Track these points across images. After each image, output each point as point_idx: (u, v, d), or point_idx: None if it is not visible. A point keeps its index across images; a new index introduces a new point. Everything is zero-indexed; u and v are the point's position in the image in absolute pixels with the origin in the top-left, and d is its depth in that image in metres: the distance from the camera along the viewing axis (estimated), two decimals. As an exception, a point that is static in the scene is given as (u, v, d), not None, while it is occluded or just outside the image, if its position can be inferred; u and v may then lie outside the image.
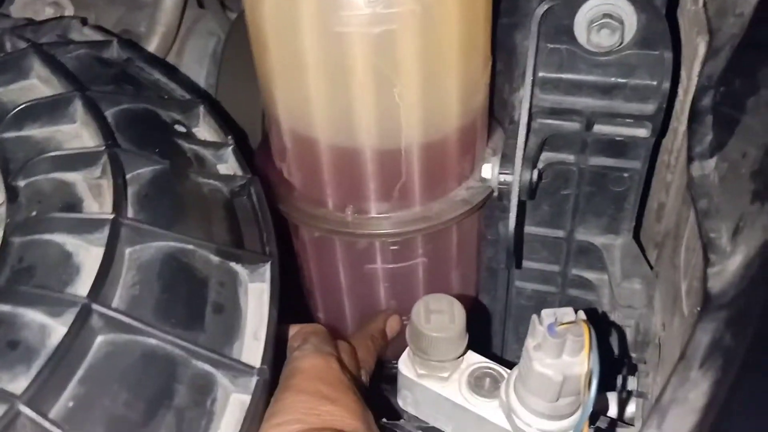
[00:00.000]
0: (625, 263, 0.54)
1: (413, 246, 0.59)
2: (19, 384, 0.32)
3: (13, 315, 0.34)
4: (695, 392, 0.24)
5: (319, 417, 0.39)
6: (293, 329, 0.49)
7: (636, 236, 0.58)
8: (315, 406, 0.40)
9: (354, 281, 0.62)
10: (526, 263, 0.60)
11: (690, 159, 0.39)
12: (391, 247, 0.58)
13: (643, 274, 0.53)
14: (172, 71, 0.57)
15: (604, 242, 0.56)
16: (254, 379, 0.37)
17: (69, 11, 0.70)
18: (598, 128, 0.50)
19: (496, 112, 0.62)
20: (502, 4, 0.62)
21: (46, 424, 0.30)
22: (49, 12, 0.69)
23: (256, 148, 0.65)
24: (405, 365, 0.45)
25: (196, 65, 0.74)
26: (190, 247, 0.40)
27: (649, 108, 0.48)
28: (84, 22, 0.56)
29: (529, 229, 0.58)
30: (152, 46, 0.69)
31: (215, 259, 0.41)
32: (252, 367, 0.37)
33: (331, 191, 0.56)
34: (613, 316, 0.55)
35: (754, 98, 0.35)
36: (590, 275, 0.59)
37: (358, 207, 0.56)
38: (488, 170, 0.52)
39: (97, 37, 0.56)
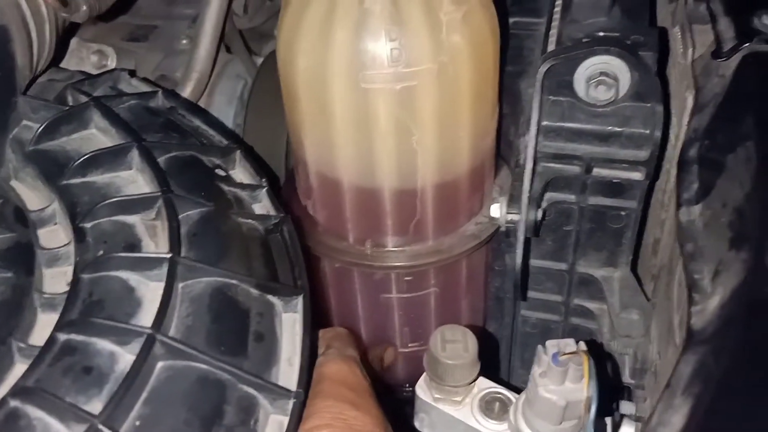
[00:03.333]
0: (624, 295, 0.59)
1: (426, 277, 0.64)
2: (93, 405, 0.37)
3: (87, 344, 0.39)
4: (677, 416, 0.28)
5: (345, 422, 0.42)
6: (322, 331, 0.52)
7: (634, 269, 0.63)
8: (342, 411, 0.43)
9: (370, 309, 0.68)
10: (531, 293, 0.65)
11: (678, 205, 0.44)
12: (406, 278, 0.64)
13: (640, 305, 0.58)
14: (210, 118, 0.63)
15: (604, 275, 0.61)
16: (291, 402, 0.41)
17: (112, 59, 0.77)
18: (596, 171, 0.55)
19: (502, 151, 0.67)
20: (508, 53, 0.68)
21: (119, 441, 0.35)
22: (93, 59, 0.75)
23: (282, 185, 0.71)
24: (422, 389, 0.50)
25: (226, 106, 0.80)
26: (234, 281, 0.45)
27: (643, 154, 0.53)
28: (132, 73, 0.62)
29: (534, 262, 0.63)
30: (188, 90, 0.75)
31: (255, 292, 0.46)
32: (290, 391, 0.42)
33: (352, 226, 0.62)
34: (613, 345, 0.59)
35: (733, 155, 0.40)
36: (591, 305, 0.64)
37: (377, 241, 0.61)
38: (497, 210, 0.57)
39: (144, 87, 0.62)
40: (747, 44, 0.44)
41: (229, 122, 0.80)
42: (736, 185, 0.37)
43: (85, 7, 0.52)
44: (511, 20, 0.71)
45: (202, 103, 0.79)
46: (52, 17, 0.54)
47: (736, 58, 0.44)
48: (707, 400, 0.27)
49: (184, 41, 0.80)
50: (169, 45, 0.81)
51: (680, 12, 0.60)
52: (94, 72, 0.77)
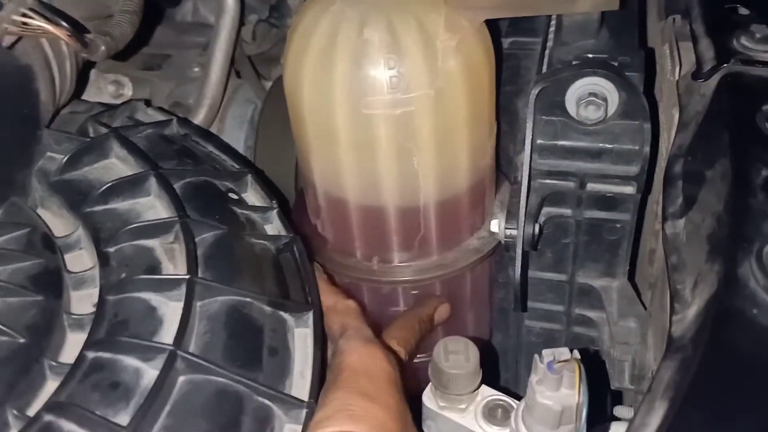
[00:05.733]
0: (621, 304, 0.61)
1: (431, 290, 0.66)
2: (121, 418, 0.40)
3: (114, 361, 0.42)
4: (655, 417, 0.31)
5: (349, 413, 0.42)
6: (327, 299, 0.53)
7: (632, 278, 0.65)
8: (349, 402, 0.43)
9: (379, 322, 0.70)
10: (533, 304, 0.68)
11: (664, 218, 0.46)
12: (412, 292, 0.66)
13: (637, 313, 0.60)
14: (221, 143, 0.66)
15: (603, 285, 0.63)
16: (304, 412, 0.44)
17: (128, 87, 0.81)
18: (590, 187, 0.58)
19: (502, 167, 0.70)
20: (504, 74, 0.71)
21: (146, 451, 0.38)
22: (111, 89, 0.79)
23: (292, 205, 0.74)
24: (428, 398, 0.52)
25: (237, 130, 0.84)
26: (248, 299, 0.48)
27: (633, 169, 0.55)
28: (147, 103, 0.66)
29: (535, 273, 0.65)
30: (201, 116, 0.78)
31: (268, 309, 0.49)
32: (303, 401, 0.44)
33: (360, 244, 0.64)
34: (613, 352, 0.61)
35: (711, 171, 0.42)
36: (592, 314, 0.66)
37: (383, 257, 0.64)
38: (496, 225, 0.60)
39: (159, 116, 0.66)
40: (725, 65, 0.47)
41: (240, 145, 0.83)
42: (713, 200, 0.40)
43: (103, 48, 0.56)
44: (509, 40, 0.74)
45: (214, 128, 0.82)
46: (72, 56, 0.58)
47: (715, 78, 0.47)
48: (678, 404, 0.30)
49: (196, 69, 0.84)
50: (182, 73, 0.85)
51: (668, 30, 0.63)
52: (112, 101, 0.82)
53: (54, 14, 0.48)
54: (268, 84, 0.91)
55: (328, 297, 0.55)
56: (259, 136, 0.82)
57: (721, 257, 0.35)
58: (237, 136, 0.83)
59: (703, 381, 0.31)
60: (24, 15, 0.46)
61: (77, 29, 0.51)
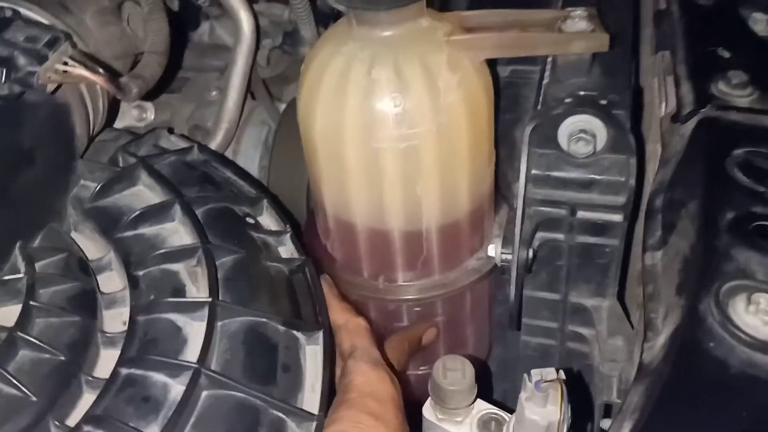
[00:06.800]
0: (611, 323, 0.65)
1: (434, 308, 0.71)
2: (152, 429, 0.44)
3: (144, 377, 0.47)
4: (622, 436, 0.35)
5: (361, 430, 0.47)
6: (338, 317, 0.57)
7: (622, 298, 0.69)
8: (360, 420, 0.48)
9: (385, 336, 0.75)
10: (530, 320, 0.72)
11: (644, 249, 0.50)
12: (415, 309, 0.71)
13: (625, 332, 0.64)
14: (238, 169, 0.71)
15: (594, 304, 0.67)
16: (314, 424, 0.48)
17: (151, 111, 0.86)
18: (581, 214, 0.62)
19: (502, 190, 0.74)
20: (503, 102, 0.76)
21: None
22: (134, 113, 0.84)
23: (304, 226, 0.79)
24: (428, 411, 0.56)
25: (252, 150, 0.89)
26: (264, 320, 0.53)
27: (621, 199, 0.59)
28: (170, 131, 0.71)
29: (531, 293, 0.70)
30: (218, 139, 0.83)
31: (282, 328, 0.53)
32: (313, 414, 0.49)
33: (366, 263, 0.69)
34: (602, 368, 0.66)
35: (685, 210, 0.46)
36: (584, 331, 0.70)
37: (388, 276, 0.69)
38: (492, 250, 0.64)
39: (181, 143, 0.71)
40: (702, 110, 0.51)
41: (255, 165, 0.88)
42: (685, 237, 0.44)
43: (135, 90, 0.61)
44: (509, 68, 0.78)
45: (230, 149, 0.87)
46: (105, 94, 0.63)
47: (693, 121, 0.51)
48: (641, 425, 0.34)
49: (214, 93, 0.89)
50: (201, 96, 0.90)
51: (657, 65, 0.67)
52: (136, 123, 0.87)
53: (92, 61, 0.53)
54: (281, 105, 0.96)
55: (340, 315, 0.60)
56: (272, 157, 0.87)
57: (686, 292, 0.39)
58: (252, 157, 0.88)
59: (664, 404, 0.35)
60: (65, 63, 0.51)
61: (112, 74, 0.56)
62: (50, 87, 0.53)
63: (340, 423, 0.48)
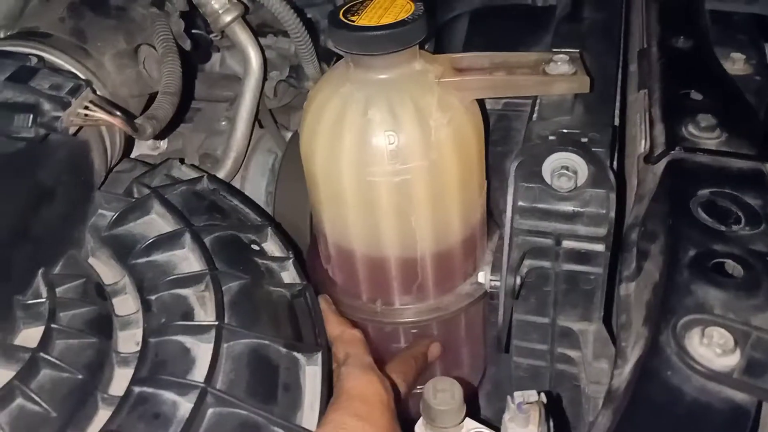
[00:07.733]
0: (596, 346, 0.69)
1: (429, 330, 0.74)
2: (162, 444, 0.49)
3: (155, 395, 0.51)
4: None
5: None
6: (334, 329, 0.60)
7: (608, 322, 0.72)
8: (344, 422, 0.49)
9: (382, 357, 0.79)
10: (521, 342, 0.75)
11: (619, 280, 0.54)
12: (412, 331, 0.75)
13: (609, 355, 0.67)
14: (245, 198, 0.76)
15: (580, 328, 0.71)
16: (312, 441, 0.53)
17: (164, 141, 0.91)
18: (566, 244, 0.66)
19: (495, 217, 0.78)
20: (495, 134, 0.80)
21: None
22: (149, 143, 0.89)
23: (307, 251, 0.83)
24: (420, 429, 0.60)
25: (259, 177, 0.93)
26: (266, 342, 0.57)
27: (602, 231, 0.63)
28: (182, 161, 0.76)
29: (521, 316, 0.73)
30: (227, 167, 0.88)
31: (283, 350, 0.58)
32: None
33: (365, 288, 0.73)
34: (587, 389, 0.69)
35: (654, 245, 0.50)
36: (572, 353, 0.73)
37: (386, 300, 0.73)
38: (482, 277, 0.68)
39: (192, 173, 0.75)
40: (672, 152, 0.54)
41: (262, 191, 0.93)
42: (654, 272, 0.47)
43: (150, 130, 0.66)
44: (503, 101, 0.83)
45: (239, 175, 0.92)
46: (122, 132, 0.68)
47: (663, 162, 0.54)
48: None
49: (223, 123, 0.94)
50: (210, 126, 0.95)
51: (639, 103, 0.71)
52: (149, 152, 0.92)
53: (109, 104, 0.58)
54: (287, 133, 1.00)
55: (336, 327, 0.64)
56: (278, 183, 0.92)
57: (650, 324, 0.43)
58: (259, 183, 0.93)
59: (623, 429, 0.38)
60: (86, 108, 0.56)
61: (128, 115, 0.61)
62: (72, 129, 0.58)
63: (326, 426, 0.50)
